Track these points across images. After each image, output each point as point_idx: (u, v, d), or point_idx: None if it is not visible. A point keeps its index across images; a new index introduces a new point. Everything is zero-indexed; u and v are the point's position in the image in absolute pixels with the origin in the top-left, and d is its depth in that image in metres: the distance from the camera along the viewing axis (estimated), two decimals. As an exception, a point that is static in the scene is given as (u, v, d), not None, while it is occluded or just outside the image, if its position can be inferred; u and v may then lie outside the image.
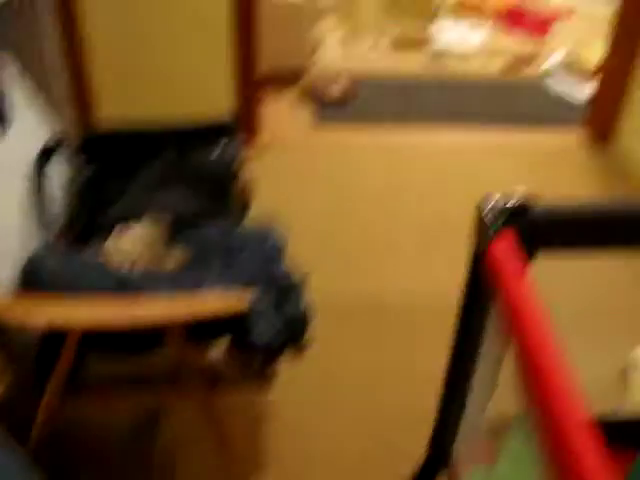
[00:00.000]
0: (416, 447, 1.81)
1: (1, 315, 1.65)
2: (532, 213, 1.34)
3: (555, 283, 2.25)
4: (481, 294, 1.39)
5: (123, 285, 1.79)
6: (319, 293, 2.21)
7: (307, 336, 1.79)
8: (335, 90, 4.10)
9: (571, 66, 4.51)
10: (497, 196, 1.37)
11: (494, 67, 4.70)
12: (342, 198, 3.27)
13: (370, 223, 3.11)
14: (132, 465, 1.97)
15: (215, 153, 2.16)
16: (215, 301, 1.69)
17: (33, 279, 1.79)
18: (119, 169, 2.21)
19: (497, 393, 1.41)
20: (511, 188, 1.35)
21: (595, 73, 4.01)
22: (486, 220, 1.34)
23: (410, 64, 4.68)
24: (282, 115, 3.94)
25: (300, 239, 2.86)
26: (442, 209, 3.19)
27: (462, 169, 3.54)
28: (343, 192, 3.32)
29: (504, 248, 1.28)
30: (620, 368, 2.29)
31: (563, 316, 2.48)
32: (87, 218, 2.14)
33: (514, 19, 5.22)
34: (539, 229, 1.35)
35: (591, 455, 0.85)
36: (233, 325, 1.70)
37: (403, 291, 2.71)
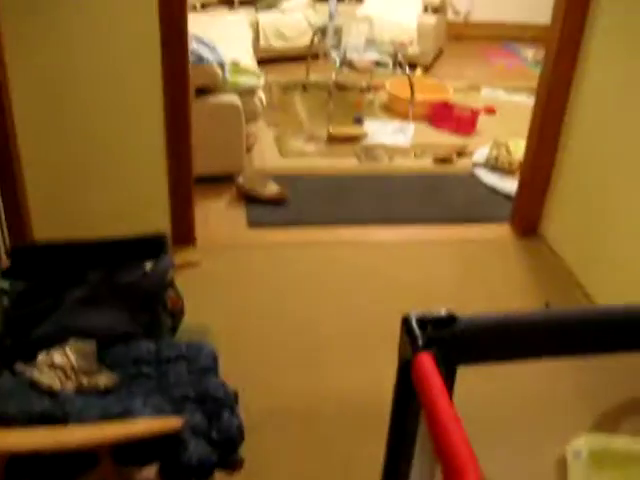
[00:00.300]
0: None
1: None
2: (455, 327, 1.38)
3: (490, 383, 2.29)
4: (410, 397, 1.41)
5: (52, 407, 1.75)
6: (254, 401, 2.19)
7: (239, 454, 1.77)
8: (269, 190, 4.17)
9: (497, 160, 4.69)
10: (422, 311, 1.41)
11: (424, 162, 4.86)
12: (276, 299, 3.29)
13: (305, 323, 3.12)
14: None
15: (146, 267, 2.17)
16: (145, 425, 1.66)
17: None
18: (49, 284, 2.19)
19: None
20: (435, 304, 1.40)
21: (519, 167, 4.18)
22: (411, 334, 1.38)
23: (342, 161, 4.81)
24: (217, 216, 3.98)
25: (234, 342, 2.87)
26: (374, 307, 3.23)
27: (396, 265, 3.61)
28: (277, 292, 3.34)
29: (426, 361, 1.31)
30: (558, 459, 2.31)
31: (500, 414, 2.52)
32: (16, 337, 2.10)
33: (441, 117, 5.44)
34: (462, 343, 1.39)
35: None
36: (163, 447, 1.67)
37: (338, 394, 2.72)
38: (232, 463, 1.75)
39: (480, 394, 2.36)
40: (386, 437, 1.54)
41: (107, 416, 1.69)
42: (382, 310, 3.16)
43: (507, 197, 4.28)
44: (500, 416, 2.53)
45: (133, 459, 1.69)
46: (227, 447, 1.75)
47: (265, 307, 3.23)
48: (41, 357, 1.91)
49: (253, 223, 3.94)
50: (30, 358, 1.95)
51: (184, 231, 3.61)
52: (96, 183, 3.41)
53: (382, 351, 2.91)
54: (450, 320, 1.40)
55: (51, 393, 1.80)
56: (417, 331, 1.37)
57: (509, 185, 4.36)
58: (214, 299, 3.23)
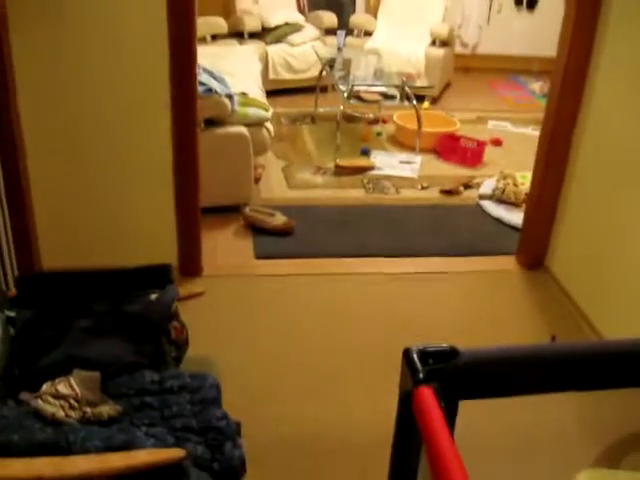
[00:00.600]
0: None
1: None
2: (456, 361, 1.38)
3: (492, 414, 2.28)
4: (411, 430, 1.41)
5: (56, 436, 1.75)
6: (257, 432, 2.18)
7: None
8: (276, 220, 4.19)
9: (504, 192, 4.70)
10: (423, 344, 1.42)
11: (431, 194, 4.88)
12: (281, 329, 3.29)
13: (309, 354, 3.12)
14: None
15: (151, 297, 2.18)
16: (147, 455, 1.66)
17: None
18: (55, 313, 2.20)
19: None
20: (441, 336, 1.40)
21: (525, 200, 4.19)
22: (411, 367, 1.38)
23: (349, 193, 4.83)
24: (224, 246, 4.00)
25: (239, 373, 2.87)
26: (381, 337, 3.23)
27: (402, 297, 3.61)
28: (283, 323, 3.34)
29: (427, 395, 1.31)
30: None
31: (502, 447, 2.51)
32: (22, 366, 2.11)
33: (448, 149, 5.47)
34: (463, 377, 1.39)
35: None
36: (165, 479, 1.67)
37: (342, 425, 2.71)
38: (233, 474, 1.74)
39: (482, 426, 2.36)
40: (388, 470, 1.53)
41: (110, 446, 1.69)
42: (387, 342, 3.16)
43: (514, 229, 4.29)
44: (502, 449, 2.51)
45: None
46: (229, 478, 1.75)
47: (270, 338, 3.23)
48: (46, 387, 1.91)
49: (260, 254, 3.95)
50: (35, 388, 1.96)
51: (191, 262, 3.63)
52: (104, 214, 3.44)
53: (387, 383, 2.89)
54: (452, 354, 1.40)
55: (54, 422, 1.80)
56: (418, 364, 1.37)
57: (516, 217, 4.37)
58: (219, 329, 3.23)
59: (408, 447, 1.45)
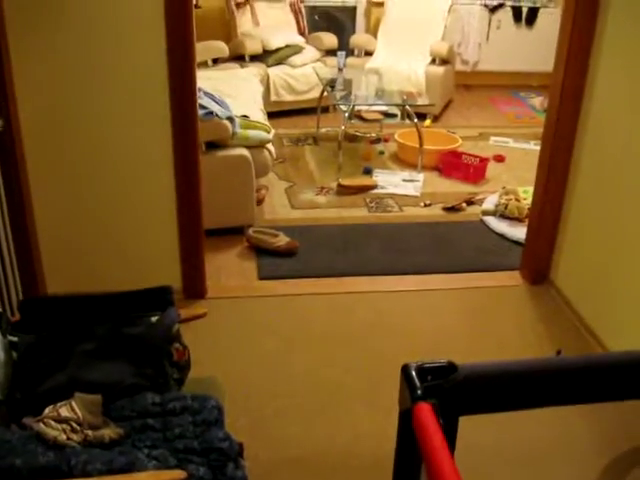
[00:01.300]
0: None
1: None
2: (455, 377, 1.38)
3: (494, 428, 2.27)
4: (412, 447, 1.41)
5: (57, 460, 1.76)
6: (260, 452, 2.17)
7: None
8: (279, 241, 4.20)
9: (507, 208, 4.71)
10: (421, 360, 1.42)
11: (434, 211, 4.89)
12: (284, 349, 3.29)
13: (312, 374, 3.12)
14: None
15: (152, 320, 2.19)
16: (149, 477, 1.66)
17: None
18: (57, 337, 2.21)
19: None
20: (444, 353, 1.40)
21: (528, 215, 4.19)
22: (410, 383, 1.38)
23: (352, 212, 4.84)
24: (228, 268, 4.01)
25: (241, 393, 2.87)
26: (383, 357, 3.22)
27: (405, 315, 3.61)
28: (285, 343, 3.34)
29: (425, 412, 1.31)
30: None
31: (504, 462, 2.49)
32: (24, 390, 2.11)
33: (450, 166, 5.49)
34: (463, 393, 1.38)
35: None
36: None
37: (345, 443, 2.70)
38: None
39: (484, 441, 2.34)
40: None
41: (111, 469, 1.69)
42: (390, 360, 3.14)
43: (518, 244, 4.28)
44: (503, 464, 2.50)
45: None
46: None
47: (273, 358, 3.23)
48: (48, 410, 1.92)
49: (264, 274, 3.96)
50: (38, 412, 1.96)
51: (195, 284, 3.64)
52: (108, 238, 3.46)
53: (390, 401, 2.89)
54: (450, 369, 1.40)
55: (56, 446, 1.80)
56: (416, 381, 1.37)
57: (519, 232, 4.37)
58: (222, 350, 3.24)
59: (409, 463, 1.45)
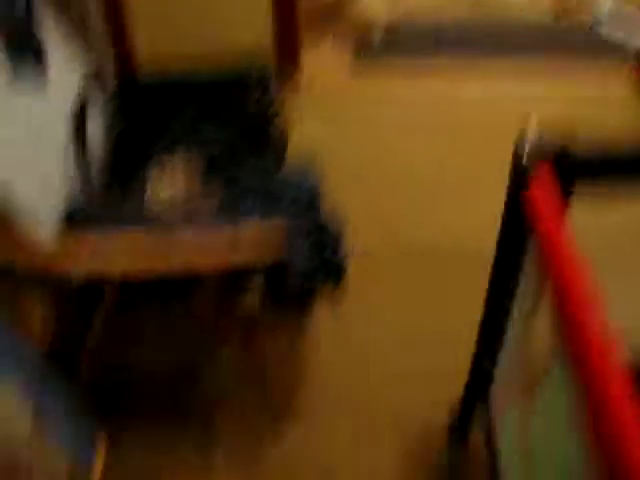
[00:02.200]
0: (451, 397, 1.82)
1: (44, 265, 1.67)
2: (569, 148, 1.30)
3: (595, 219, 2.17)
4: (518, 232, 1.37)
5: (162, 227, 1.79)
6: (356, 236, 2.17)
7: (343, 281, 1.77)
8: (375, 33, 4.03)
9: (623, 11, 4.35)
10: (534, 133, 1.33)
11: (542, 11, 4.55)
12: (380, 140, 3.23)
13: (407, 165, 3.07)
14: (171, 412, 1.99)
15: (253, 96, 2.15)
16: (253, 228, 1.67)
17: (74, 224, 1.81)
18: (157, 114, 2.20)
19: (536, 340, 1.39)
20: (549, 123, 1.30)
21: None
22: (523, 158, 1.31)
23: (453, 7, 4.55)
24: (321, 58, 3.88)
25: (337, 181, 2.85)
26: (482, 151, 3.12)
27: (505, 114, 3.44)
28: (381, 134, 3.27)
29: (541, 187, 1.25)
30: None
31: (616, 244, 2.39)
32: (127, 159, 2.13)
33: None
34: (577, 165, 1.31)
35: (625, 400, 0.83)
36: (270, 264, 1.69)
37: (441, 232, 2.68)
38: (335, 288, 1.74)
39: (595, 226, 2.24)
40: (490, 275, 1.51)
41: (215, 230, 1.71)
42: (491, 153, 3.04)
43: (630, 51, 3.96)
44: (616, 246, 2.40)
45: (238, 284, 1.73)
46: (331, 271, 1.75)
47: (373, 147, 3.17)
48: (154, 175, 1.94)
49: (357, 65, 3.83)
50: (143, 177, 1.99)
51: (289, 70, 3.53)
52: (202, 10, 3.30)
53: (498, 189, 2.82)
54: (563, 143, 1.31)
55: (161, 211, 1.84)
56: (531, 153, 1.30)
57: (634, 38, 4.04)
58: (316, 136, 3.16)
59: (514, 248, 1.41)
